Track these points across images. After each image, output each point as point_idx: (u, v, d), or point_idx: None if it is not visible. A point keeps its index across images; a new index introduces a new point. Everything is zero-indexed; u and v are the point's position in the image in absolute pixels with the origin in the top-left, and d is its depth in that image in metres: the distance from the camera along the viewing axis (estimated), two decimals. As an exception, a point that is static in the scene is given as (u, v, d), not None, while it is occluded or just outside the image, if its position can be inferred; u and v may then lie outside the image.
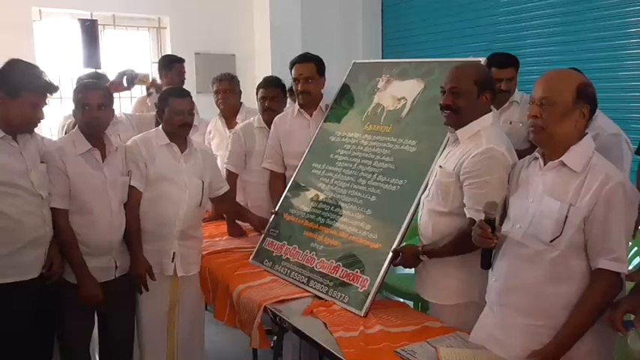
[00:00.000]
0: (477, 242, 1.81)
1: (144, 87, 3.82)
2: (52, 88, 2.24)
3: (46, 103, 2.24)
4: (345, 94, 3.00)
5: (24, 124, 2.19)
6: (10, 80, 2.14)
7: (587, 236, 1.65)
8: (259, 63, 5.37)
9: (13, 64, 2.19)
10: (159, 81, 3.90)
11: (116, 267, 2.44)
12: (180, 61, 4.04)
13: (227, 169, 3.22)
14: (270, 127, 3.22)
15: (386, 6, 5.65)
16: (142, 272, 2.48)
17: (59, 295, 2.33)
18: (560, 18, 4.07)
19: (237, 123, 3.51)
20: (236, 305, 2.42)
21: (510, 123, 3.04)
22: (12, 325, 2.17)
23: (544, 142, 1.75)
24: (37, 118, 2.20)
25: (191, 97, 2.63)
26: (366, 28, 5.60)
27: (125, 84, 3.11)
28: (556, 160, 1.73)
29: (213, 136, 3.69)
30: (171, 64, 3.98)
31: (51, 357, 2.45)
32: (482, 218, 1.79)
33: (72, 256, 2.30)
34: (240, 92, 3.68)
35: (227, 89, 3.63)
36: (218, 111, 3.79)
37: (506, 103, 3.09)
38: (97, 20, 4.85)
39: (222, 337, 3.33)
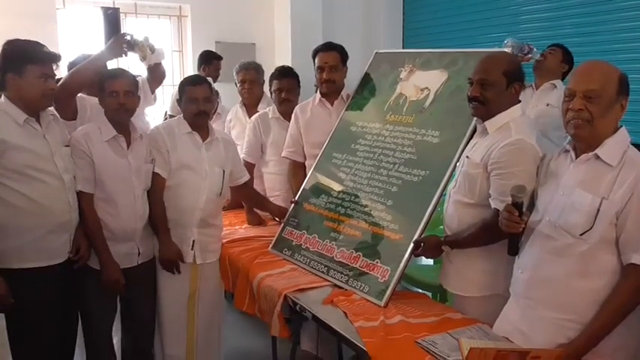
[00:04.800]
0: (503, 227, 1.79)
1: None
2: (55, 58, 2.23)
3: (54, 74, 2.22)
4: (366, 83, 2.98)
5: (40, 97, 2.17)
6: (14, 59, 2.15)
7: (619, 231, 1.62)
8: (279, 52, 5.36)
9: (11, 43, 2.19)
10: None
11: (139, 253, 2.47)
12: (219, 58, 4.37)
13: (244, 159, 3.22)
14: (286, 118, 3.22)
15: (407, -5, 5.60)
16: (172, 256, 2.50)
17: (83, 280, 2.36)
18: (584, 8, 3.99)
19: (258, 112, 3.51)
20: (256, 293, 2.43)
21: (547, 105, 3.16)
22: (38, 308, 2.20)
23: (588, 135, 1.70)
24: (49, 89, 2.18)
25: (209, 85, 2.62)
26: (387, 17, 5.55)
27: (125, 47, 2.70)
28: (590, 153, 1.70)
29: (234, 125, 3.71)
30: (211, 60, 4.36)
31: (74, 340, 2.49)
32: (510, 202, 1.76)
33: (95, 241, 2.34)
34: (264, 82, 3.68)
35: (253, 79, 3.64)
36: (238, 99, 3.80)
37: (548, 84, 3.24)
38: (119, 8, 4.85)
39: (241, 324, 3.36)
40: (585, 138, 1.71)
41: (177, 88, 4.05)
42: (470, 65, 2.20)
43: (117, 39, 2.67)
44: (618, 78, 1.68)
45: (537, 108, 3.20)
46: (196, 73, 4.38)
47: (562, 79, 3.30)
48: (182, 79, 2.82)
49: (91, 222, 2.32)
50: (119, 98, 2.34)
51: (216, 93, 4.01)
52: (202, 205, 2.54)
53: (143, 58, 2.79)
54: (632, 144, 1.73)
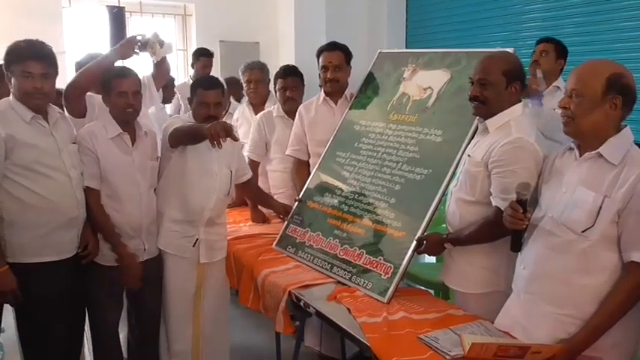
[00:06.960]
0: (508, 223, 1.81)
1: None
2: (36, 54, 2.15)
3: (43, 72, 2.16)
4: (370, 83, 3.00)
5: (23, 95, 2.17)
6: (6, 59, 2.18)
7: (620, 229, 1.64)
8: (283, 51, 5.38)
9: (12, 44, 2.20)
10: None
11: (144, 250, 2.49)
12: (206, 54, 4.28)
13: (249, 157, 3.25)
14: (290, 117, 3.25)
15: (411, -6, 5.62)
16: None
17: (90, 275, 2.39)
18: (589, 7, 4.00)
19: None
20: (260, 290, 2.46)
21: (554, 109, 3.10)
22: (47, 302, 2.23)
23: (573, 133, 1.75)
24: (32, 87, 2.15)
25: (222, 89, 2.58)
26: (390, 17, 5.56)
27: (137, 49, 2.76)
28: (593, 152, 1.72)
29: (241, 124, 3.73)
30: (198, 57, 4.30)
31: (82, 334, 2.52)
32: (515, 199, 1.78)
33: (108, 237, 2.36)
34: (269, 81, 3.71)
35: (258, 79, 3.66)
36: (244, 98, 3.83)
37: (550, 88, 3.15)
38: (124, 7, 4.91)
39: (245, 321, 3.39)
40: (572, 134, 1.77)
41: (178, 88, 4.11)
42: (472, 65, 2.22)
43: (128, 41, 2.70)
44: (608, 77, 1.67)
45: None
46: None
47: (560, 74, 3.28)
48: (194, 79, 2.85)
49: (100, 218, 2.35)
50: (128, 99, 2.36)
51: (229, 95, 4.05)
52: (212, 205, 2.55)
53: (153, 54, 2.83)
54: (636, 144, 1.75)
